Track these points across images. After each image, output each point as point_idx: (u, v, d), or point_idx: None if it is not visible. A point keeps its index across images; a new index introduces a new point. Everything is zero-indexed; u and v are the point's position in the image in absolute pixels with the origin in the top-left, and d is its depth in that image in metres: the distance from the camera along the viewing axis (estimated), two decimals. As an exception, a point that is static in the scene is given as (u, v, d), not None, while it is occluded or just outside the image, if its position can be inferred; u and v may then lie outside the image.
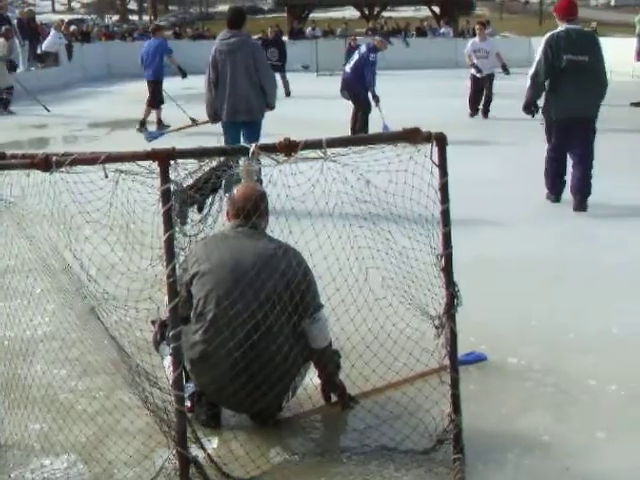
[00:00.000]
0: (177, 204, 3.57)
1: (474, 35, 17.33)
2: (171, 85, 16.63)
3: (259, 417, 4.06)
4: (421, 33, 40.38)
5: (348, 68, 13.07)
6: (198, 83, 13.12)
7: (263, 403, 3.93)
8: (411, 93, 15.16)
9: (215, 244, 3.98)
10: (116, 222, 3.75)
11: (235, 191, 4.10)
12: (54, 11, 72.28)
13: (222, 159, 3.67)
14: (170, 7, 77.20)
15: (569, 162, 8.65)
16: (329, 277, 3.99)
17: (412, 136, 3.60)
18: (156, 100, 15.75)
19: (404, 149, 3.62)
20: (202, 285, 3.92)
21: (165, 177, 3.33)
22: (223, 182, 3.96)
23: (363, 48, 13.07)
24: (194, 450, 3.48)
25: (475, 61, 16.02)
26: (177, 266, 3.50)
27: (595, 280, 6.24)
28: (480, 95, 16.21)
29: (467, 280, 3.98)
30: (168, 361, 3.78)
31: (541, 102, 8.69)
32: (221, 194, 3.86)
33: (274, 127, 9.17)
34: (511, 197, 8.97)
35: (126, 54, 31.84)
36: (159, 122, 15.55)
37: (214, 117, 8.98)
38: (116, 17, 66.88)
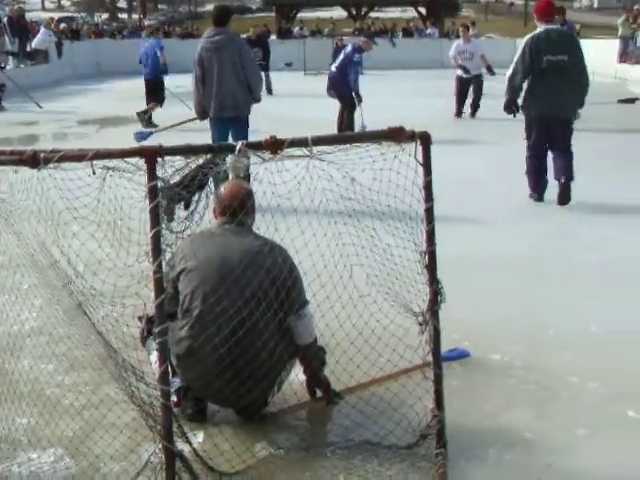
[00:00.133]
0: (164, 201, 3.59)
1: (458, 36, 17.39)
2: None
3: (245, 412, 4.10)
4: (407, 34, 40.55)
5: (334, 67, 13.27)
6: (187, 81, 13.12)
7: (249, 398, 3.96)
8: (396, 93, 15.24)
9: (202, 241, 4.01)
10: (103, 218, 3.76)
11: (222, 189, 4.14)
12: (44, 9, 72.17)
13: (209, 156, 3.71)
14: (159, 6, 77.17)
15: (549, 158, 8.78)
16: (314, 274, 4.03)
17: (396, 135, 3.64)
18: (159, 97, 15.77)
19: (389, 148, 3.65)
20: (189, 281, 3.95)
21: (152, 174, 3.35)
22: (211, 179, 3.99)
23: (349, 48, 13.28)
24: (180, 444, 3.49)
25: (460, 62, 16.07)
26: (163, 263, 3.52)
27: (576, 278, 6.30)
28: (465, 95, 16.24)
29: (450, 277, 4.01)
30: (155, 356, 3.81)
31: (521, 101, 8.82)
32: (208, 191, 3.89)
33: (261, 125, 9.23)
34: (494, 196, 9.05)
35: (115, 52, 31.98)
36: (149, 119, 15.55)
37: (202, 114, 9.03)
38: (106, 15, 66.79)
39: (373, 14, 50.09)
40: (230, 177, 4.04)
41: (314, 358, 4.18)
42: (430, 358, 3.78)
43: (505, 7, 74.57)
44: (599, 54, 17.20)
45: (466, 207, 8.38)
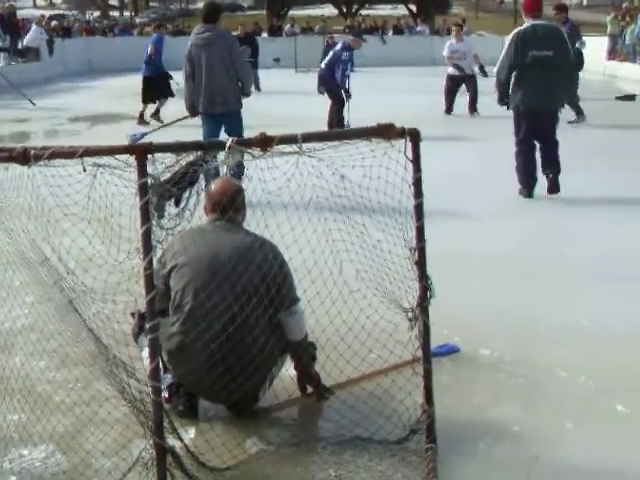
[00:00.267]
0: (154, 198, 3.60)
1: (449, 33, 17.39)
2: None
3: (236, 408, 4.12)
4: (398, 31, 40.58)
5: (323, 65, 13.37)
6: (176, 79, 13.15)
7: (240, 394, 3.98)
8: (387, 90, 15.26)
9: (192, 238, 4.03)
10: (94, 215, 3.78)
11: (212, 185, 4.15)
12: (35, 6, 72.02)
13: (199, 153, 3.72)
14: (151, 3, 77.00)
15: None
16: (304, 270, 4.05)
17: (386, 132, 3.65)
18: (159, 93, 15.73)
19: (378, 144, 3.67)
20: (180, 277, 3.97)
21: (142, 171, 3.36)
22: (201, 176, 4.00)
23: (338, 46, 13.43)
24: (171, 440, 3.51)
25: (455, 62, 16.05)
26: (154, 259, 3.54)
27: (566, 273, 6.34)
28: (454, 93, 16.23)
29: (440, 273, 4.03)
30: (146, 352, 3.82)
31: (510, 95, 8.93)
32: (198, 188, 3.90)
33: (252, 122, 9.24)
34: (484, 191, 9.08)
35: (107, 50, 31.96)
36: (141, 116, 15.52)
37: (192, 110, 9.06)
38: (97, 13, 66.59)
39: (364, 11, 50.23)
40: (224, 172, 4.04)
41: (305, 354, 4.21)
42: (420, 354, 3.80)
43: (495, 5, 74.70)
44: (588, 51, 17.23)
45: (456, 203, 8.44)
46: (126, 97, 20.25)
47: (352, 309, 4.18)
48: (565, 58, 8.71)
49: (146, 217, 3.37)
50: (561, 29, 9.72)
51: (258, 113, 10.65)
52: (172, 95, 15.52)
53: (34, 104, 18.85)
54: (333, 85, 13.08)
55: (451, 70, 16.18)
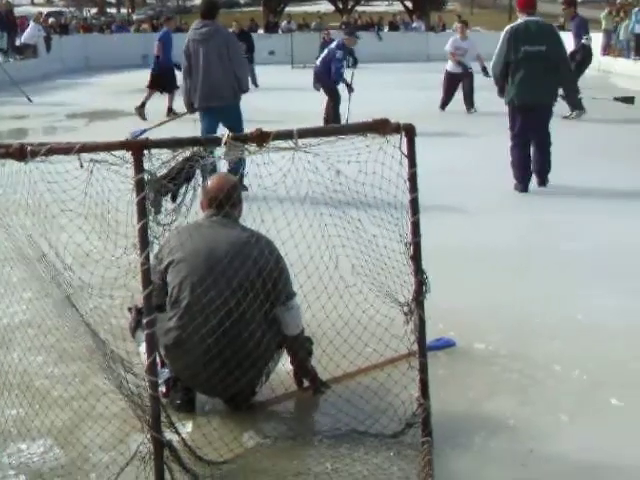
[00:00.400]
0: (151, 193, 3.62)
1: (444, 29, 17.34)
2: (146, 77, 16.64)
3: (233, 402, 4.14)
4: (393, 27, 40.59)
5: (318, 62, 13.41)
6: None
7: (236, 388, 4.00)
8: (382, 86, 15.28)
9: (189, 233, 4.05)
10: (91, 211, 3.78)
11: (208, 181, 4.18)
12: (33, 3, 71.91)
13: (196, 149, 3.73)
14: (148, 0, 76.92)
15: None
16: (300, 265, 4.07)
17: (381, 127, 3.66)
18: (168, 85, 15.76)
19: (373, 140, 3.68)
20: (177, 273, 3.99)
21: (139, 167, 3.38)
22: (197, 171, 4.01)
23: (333, 44, 13.45)
24: (168, 434, 3.52)
25: (458, 58, 15.98)
26: (151, 255, 3.55)
27: (561, 267, 6.36)
28: (454, 91, 16.19)
29: (436, 267, 4.06)
30: (144, 347, 3.84)
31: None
32: (195, 183, 3.91)
33: (249, 117, 9.25)
34: (479, 186, 9.11)
35: (104, 46, 31.97)
36: (142, 105, 15.58)
37: (190, 106, 9.07)
38: (94, 10, 66.48)
39: (360, 8, 50.25)
40: (219, 168, 4.05)
41: (301, 349, 4.23)
42: (415, 347, 3.81)
43: (490, 1, 74.64)
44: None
45: (452, 198, 8.46)
46: (123, 94, 20.29)
47: (348, 304, 4.19)
48: (558, 53, 8.84)
49: (143, 213, 3.38)
50: (554, 26, 9.87)
51: (255, 109, 10.67)
52: (176, 87, 15.56)
53: (31, 101, 18.85)
54: (328, 81, 13.13)
55: (450, 66, 16.07)
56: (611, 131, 13.59)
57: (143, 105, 15.62)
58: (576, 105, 14.10)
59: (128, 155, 3.38)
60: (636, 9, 25.89)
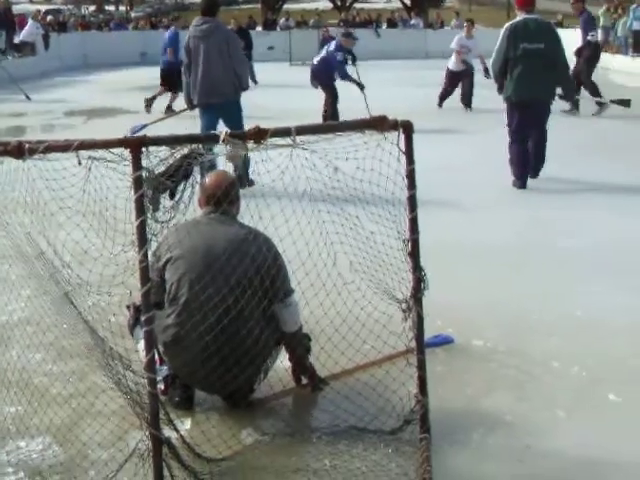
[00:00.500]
0: (149, 191, 3.62)
1: (442, 26, 17.29)
2: (144, 75, 16.66)
3: (231, 399, 4.15)
4: (392, 24, 40.58)
5: (316, 60, 13.34)
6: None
7: (235, 385, 4.01)
8: (380, 83, 15.29)
9: (187, 230, 4.05)
10: (89, 208, 3.79)
11: (206, 178, 4.18)
12: (31, 1, 71.71)
13: (194, 146, 3.73)
14: (146, -3, 76.82)
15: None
16: (298, 262, 4.06)
17: (379, 124, 3.67)
18: (174, 85, 15.75)
19: (371, 137, 3.69)
20: (175, 270, 3.99)
21: (137, 164, 3.38)
22: (196, 168, 4.01)
23: (332, 46, 13.31)
24: (167, 431, 3.52)
25: (463, 57, 15.94)
26: (149, 252, 3.56)
27: (559, 264, 6.37)
28: (452, 89, 16.16)
29: (434, 264, 4.06)
30: (142, 345, 3.84)
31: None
32: (193, 181, 3.92)
33: (248, 114, 9.25)
34: (476, 183, 9.12)
35: (102, 44, 31.96)
36: (152, 99, 15.64)
37: (190, 102, 9.09)
38: (92, 7, 66.40)
39: (358, 5, 50.20)
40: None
41: (299, 345, 4.23)
42: (414, 344, 3.82)
43: (488, -3, 74.52)
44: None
45: (450, 195, 8.47)
46: (121, 91, 20.30)
47: (346, 300, 4.19)
48: (556, 51, 8.90)
49: (141, 210, 3.38)
50: (552, 24, 9.95)
51: (254, 105, 10.67)
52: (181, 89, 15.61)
53: (30, 99, 18.83)
54: (326, 79, 13.09)
55: (452, 64, 16.02)
56: (607, 127, 13.59)
57: (153, 98, 15.68)
58: (573, 103, 14.15)
59: (126, 152, 3.38)
60: (634, 6, 25.87)
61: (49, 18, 32.94)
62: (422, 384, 3.80)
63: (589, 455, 3.73)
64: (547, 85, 8.94)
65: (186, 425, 4.00)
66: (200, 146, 3.68)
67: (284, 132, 3.54)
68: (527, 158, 9.06)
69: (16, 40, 26.88)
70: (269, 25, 38.53)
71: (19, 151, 3.38)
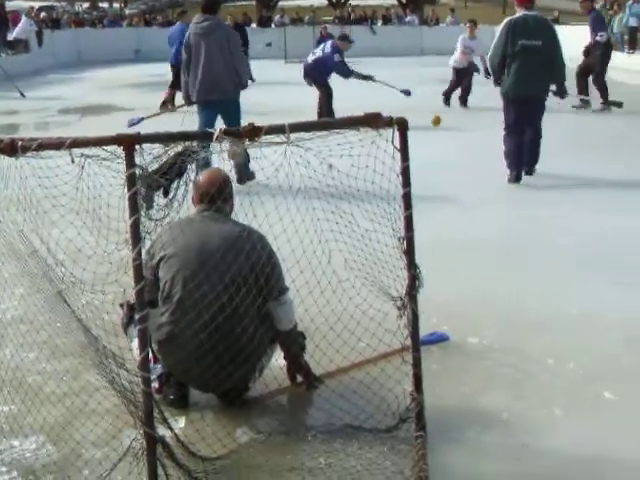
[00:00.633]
0: (143, 189, 3.60)
1: (437, 23, 17.24)
2: (139, 72, 16.61)
3: (226, 397, 4.13)
4: (387, 21, 40.52)
5: (310, 59, 13.26)
6: (166, 70, 13.00)
7: (230, 383, 4.00)
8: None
9: (180, 228, 4.03)
10: (82, 206, 3.77)
11: (199, 176, 4.16)
12: (24, -3, 71.53)
13: (187, 144, 3.71)
14: (141, -6, 76.61)
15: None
16: (293, 259, 4.06)
17: (373, 121, 3.65)
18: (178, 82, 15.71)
19: (366, 134, 3.68)
20: (169, 268, 3.98)
21: (130, 162, 3.37)
22: (189, 166, 4.00)
23: (328, 48, 13.21)
24: (161, 430, 3.51)
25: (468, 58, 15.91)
26: (143, 250, 3.54)
27: (554, 260, 6.37)
28: (457, 86, 16.15)
29: (429, 262, 4.05)
30: (136, 343, 3.83)
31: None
32: (187, 178, 3.90)
33: (246, 110, 9.24)
34: (472, 181, 9.12)
35: (96, 41, 31.89)
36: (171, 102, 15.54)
37: (189, 99, 9.11)
38: (86, 4, 66.16)
39: (353, 1, 50.10)
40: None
41: (294, 343, 4.22)
42: (409, 342, 3.81)
43: (484, -6, 74.54)
44: (577, 40, 17.28)
45: (445, 192, 8.48)
46: (116, 88, 20.26)
47: (341, 298, 4.18)
48: (553, 49, 8.98)
49: (134, 208, 3.36)
50: (550, 21, 10.02)
51: (251, 102, 10.64)
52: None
53: (24, 96, 18.78)
54: (320, 78, 13.04)
55: (457, 62, 15.95)
56: (606, 125, 13.62)
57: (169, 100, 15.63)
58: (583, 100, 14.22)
59: (119, 150, 3.36)
60: (630, 2, 25.89)
61: (42, 15, 32.81)
62: (417, 382, 3.79)
63: (585, 453, 3.72)
64: (543, 82, 9.07)
65: (180, 423, 3.98)
66: (194, 143, 3.67)
67: (278, 129, 3.53)
68: (521, 151, 9.12)
69: (9, 37, 26.80)
70: (264, 22, 38.46)
71: (12, 149, 3.36)
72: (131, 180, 3.36)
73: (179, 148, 3.63)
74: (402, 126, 3.70)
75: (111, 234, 3.85)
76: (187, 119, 9.01)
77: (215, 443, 3.71)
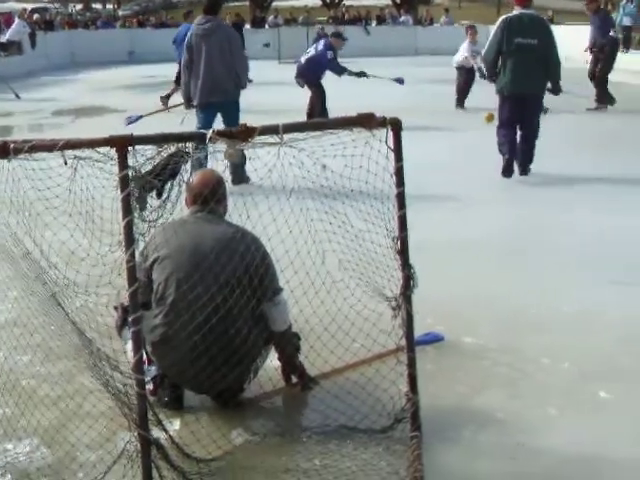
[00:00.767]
0: (136, 190, 3.59)
1: (431, 23, 17.18)
2: (132, 73, 16.58)
3: (221, 398, 4.13)
4: (381, 21, 40.52)
5: (303, 59, 13.24)
6: (159, 71, 12.97)
7: (224, 384, 3.99)
8: (370, 80, 15.30)
9: (174, 230, 4.02)
10: (75, 208, 3.76)
11: (193, 177, 4.14)
12: (17, 0, 71.46)
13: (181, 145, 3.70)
14: (134, -5, 76.54)
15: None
16: (287, 260, 4.05)
17: (367, 121, 3.65)
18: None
19: (359, 134, 3.67)
20: (162, 269, 3.97)
21: (123, 163, 3.36)
22: (183, 167, 3.99)
23: (321, 45, 13.20)
24: (156, 432, 3.50)
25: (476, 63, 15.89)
26: (137, 252, 3.53)
27: (548, 260, 6.38)
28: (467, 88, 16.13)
29: (424, 261, 4.05)
30: (130, 345, 3.82)
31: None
32: (180, 179, 3.89)
33: (241, 112, 9.24)
34: (465, 180, 9.12)
35: (90, 42, 31.80)
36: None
37: (189, 100, 9.17)
38: (79, 5, 66.11)
39: (347, 2, 50.06)
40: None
41: (288, 344, 4.21)
42: (404, 342, 3.81)
43: (479, -6, 74.58)
44: (571, 40, 17.32)
45: (440, 192, 8.48)
46: (109, 90, 20.22)
47: (335, 299, 4.18)
48: (548, 47, 9.04)
49: (128, 210, 3.36)
50: (546, 20, 10.11)
51: (243, 104, 10.62)
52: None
53: (19, 97, 18.75)
54: (312, 78, 13.02)
55: (462, 62, 15.95)
56: (603, 124, 13.67)
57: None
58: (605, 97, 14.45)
59: (112, 152, 3.35)
60: (624, 1, 25.92)
61: (36, 17, 32.74)
62: (412, 382, 3.79)
63: (582, 453, 3.72)
64: (539, 80, 9.12)
65: (175, 425, 3.98)
66: (189, 144, 3.65)
67: (272, 130, 3.52)
68: (514, 144, 9.21)
69: (2, 39, 26.76)
70: (258, 23, 38.43)
71: (4, 151, 3.35)
72: (124, 182, 3.35)
73: (172, 149, 3.62)
74: (396, 126, 3.69)
75: (104, 236, 3.83)
76: (188, 119, 9.03)
77: (210, 445, 3.70)
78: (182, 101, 9.52)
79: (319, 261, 4.06)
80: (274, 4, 47.74)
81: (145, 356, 3.90)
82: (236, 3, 53.13)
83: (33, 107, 17.59)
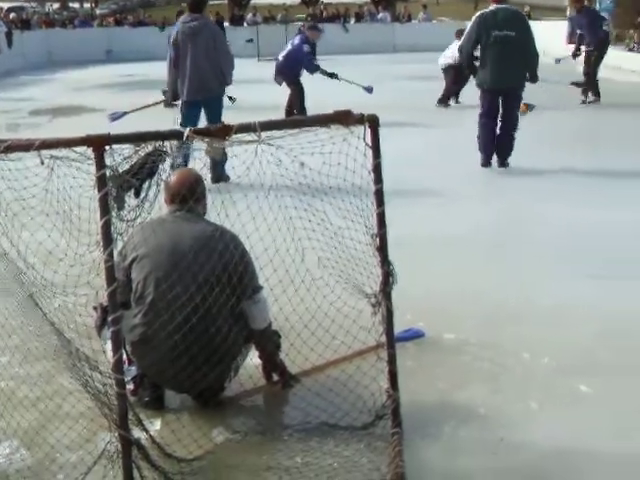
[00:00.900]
0: (114, 189, 3.57)
1: (409, 20, 17.20)
2: (110, 72, 16.50)
3: (201, 397, 4.11)
4: (359, 18, 40.54)
5: (281, 57, 13.22)
6: (137, 70, 12.92)
7: (205, 384, 3.97)
8: (349, 77, 15.30)
9: (152, 229, 4.00)
10: (52, 208, 3.74)
11: (171, 176, 4.12)
12: (-7, -2, 70.98)
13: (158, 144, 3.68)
14: (111, -7, 76.18)
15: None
16: (266, 258, 4.04)
17: (344, 118, 3.65)
18: None
19: (337, 131, 3.67)
20: (141, 268, 3.95)
21: (100, 163, 3.34)
22: (160, 166, 3.97)
23: (297, 40, 13.17)
24: (137, 432, 3.49)
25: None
26: (115, 251, 3.51)
27: (530, 255, 6.40)
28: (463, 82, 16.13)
29: (403, 258, 4.05)
30: (110, 345, 3.80)
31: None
32: (157, 179, 3.87)
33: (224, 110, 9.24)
34: (443, 176, 9.14)
35: (67, 41, 31.58)
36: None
37: (174, 96, 9.28)
38: (56, 5, 65.72)
39: (325, -1, 50.05)
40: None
41: (269, 342, 4.21)
42: (384, 339, 3.81)
43: (457, -10, 74.72)
44: (548, 35, 17.39)
45: (419, 188, 8.50)
46: (87, 89, 20.12)
47: (315, 296, 4.17)
48: (526, 39, 9.20)
49: (105, 209, 3.34)
50: (522, 12, 10.27)
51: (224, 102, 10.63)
52: None
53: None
54: (291, 76, 13.00)
55: (443, 62, 15.97)
56: (585, 119, 13.77)
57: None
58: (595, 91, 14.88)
59: (89, 151, 3.33)
60: (600, -3, 26.07)
61: (12, 16, 32.58)
62: (393, 379, 3.79)
63: (562, 447, 3.73)
64: (517, 72, 9.25)
65: (156, 425, 3.96)
66: (167, 143, 3.63)
67: (249, 128, 3.51)
68: (493, 136, 9.39)
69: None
70: (236, 21, 38.33)
71: (-21, 151, 3.32)
72: (101, 181, 3.33)
73: (150, 148, 3.60)
74: (373, 123, 3.69)
75: (82, 236, 3.82)
76: (168, 116, 9.02)
77: (191, 444, 3.69)
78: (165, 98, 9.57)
79: (298, 259, 4.06)
80: (252, 2, 47.65)
81: (125, 356, 3.90)
82: (215, 2, 53.03)
83: (10, 107, 17.46)
